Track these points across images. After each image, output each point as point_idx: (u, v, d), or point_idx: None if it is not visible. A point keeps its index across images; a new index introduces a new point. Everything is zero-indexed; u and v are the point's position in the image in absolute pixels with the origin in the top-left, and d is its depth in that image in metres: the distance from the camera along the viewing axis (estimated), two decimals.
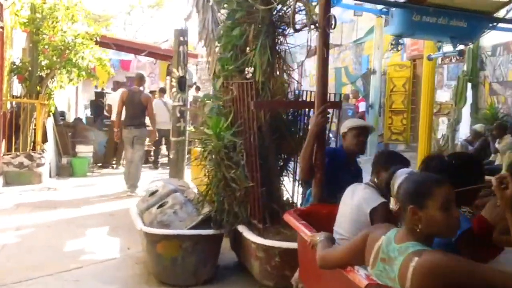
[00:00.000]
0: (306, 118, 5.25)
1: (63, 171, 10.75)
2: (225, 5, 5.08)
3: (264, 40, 4.53)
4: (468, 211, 2.72)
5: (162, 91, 12.83)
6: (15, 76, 10.36)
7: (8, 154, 9.55)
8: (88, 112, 17.07)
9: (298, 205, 5.24)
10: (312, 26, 3.67)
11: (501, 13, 7.29)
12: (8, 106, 9.85)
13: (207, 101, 5.56)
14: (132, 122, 9.02)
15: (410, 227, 2.11)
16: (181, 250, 4.50)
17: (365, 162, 5.45)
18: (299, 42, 5.37)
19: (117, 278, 4.95)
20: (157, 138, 10.71)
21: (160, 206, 4.91)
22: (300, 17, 4.98)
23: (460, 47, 8.96)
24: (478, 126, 10.13)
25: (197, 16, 5.83)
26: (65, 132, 11.45)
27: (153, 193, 5.31)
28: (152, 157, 12.50)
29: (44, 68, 10.25)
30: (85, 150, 11.32)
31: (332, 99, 5.05)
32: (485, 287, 1.88)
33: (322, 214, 3.54)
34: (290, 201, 5.21)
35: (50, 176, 10.16)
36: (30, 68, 10.03)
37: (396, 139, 15.44)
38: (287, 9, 4.84)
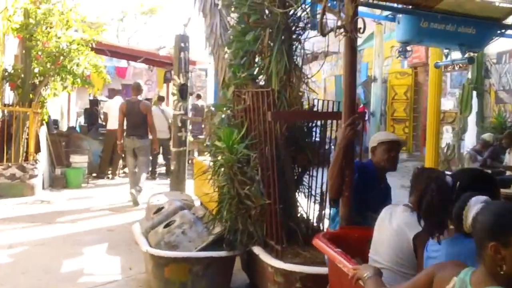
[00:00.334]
0: (321, 128, 4.92)
1: (56, 182, 10.32)
2: (235, 9, 4.72)
3: (280, 46, 4.17)
4: None
5: (160, 99, 12.44)
6: (7, 84, 9.92)
7: None
8: (81, 120, 16.65)
9: (311, 220, 4.91)
10: (339, 30, 3.30)
11: (510, 20, 7.08)
12: (0, 114, 9.41)
13: (213, 110, 5.21)
14: (135, 132, 8.90)
15: (491, 269, 1.75)
16: (191, 275, 4.13)
17: None
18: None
19: None
20: (158, 150, 10.49)
21: (167, 225, 4.52)
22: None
23: (469, 54, 8.71)
24: (487, 135, 9.82)
25: (204, 21, 5.49)
26: (58, 142, 11.03)
27: (158, 211, 4.92)
28: (150, 167, 12.07)
29: (37, 75, 9.85)
30: (79, 160, 10.87)
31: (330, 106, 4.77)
32: None
33: (353, 238, 3.19)
34: (305, 218, 4.86)
35: (43, 188, 9.73)
36: (22, 75, 9.62)
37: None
38: (302, 12, 4.51)
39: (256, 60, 4.56)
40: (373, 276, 2.25)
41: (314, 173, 4.97)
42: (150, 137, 9.21)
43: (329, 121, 4.74)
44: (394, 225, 2.79)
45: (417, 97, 15.34)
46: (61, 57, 9.68)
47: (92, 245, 6.41)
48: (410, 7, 6.86)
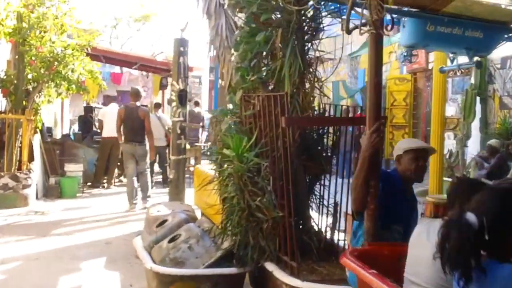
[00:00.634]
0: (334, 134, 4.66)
1: (51, 192, 9.98)
2: (243, 9, 4.44)
3: (294, 47, 3.90)
4: None
5: (157, 105, 12.14)
6: None
7: None
8: (75, 127, 16.31)
9: (324, 233, 4.63)
10: (364, 28, 3.03)
11: None
12: None
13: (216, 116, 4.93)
14: (134, 138, 8.94)
15: None
16: None
17: None
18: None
19: None
20: (154, 158, 10.29)
21: (172, 239, 4.22)
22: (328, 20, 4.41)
23: (476, 58, 8.48)
24: (494, 142, 9.58)
25: (208, 22, 5.20)
26: (52, 150, 10.69)
27: (161, 224, 4.61)
28: None
29: (31, 81, 9.54)
30: (74, 169, 10.54)
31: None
32: None
33: (383, 255, 2.89)
34: (317, 230, 4.58)
35: (37, 198, 9.39)
36: (15, 81, 9.30)
37: None
38: (315, 11, 4.24)
39: (265, 62, 4.27)
40: None
41: (326, 182, 4.72)
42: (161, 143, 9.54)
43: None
44: (435, 243, 2.51)
45: (416, 103, 15.10)
46: (56, 63, 9.36)
47: (89, 260, 6.09)
48: (416, 10, 6.61)
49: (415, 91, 14.92)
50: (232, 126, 4.42)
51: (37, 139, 10.00)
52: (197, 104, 13.38)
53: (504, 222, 1.86)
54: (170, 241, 4.20)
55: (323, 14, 4.19)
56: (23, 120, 9.21)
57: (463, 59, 9.00)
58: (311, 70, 4.16)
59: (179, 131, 7.87)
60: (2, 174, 8.82)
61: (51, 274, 5.42)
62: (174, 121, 7.90)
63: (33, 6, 9.44)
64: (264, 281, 4.11)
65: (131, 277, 5.26)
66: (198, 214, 6.83)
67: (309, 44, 4.19)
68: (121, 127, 9.02)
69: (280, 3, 3.84)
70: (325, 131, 4.65)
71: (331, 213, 4.63)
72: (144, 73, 14.23)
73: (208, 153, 4.92)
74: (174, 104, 7.85)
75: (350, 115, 4.71)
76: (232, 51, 4.76)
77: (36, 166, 9.48)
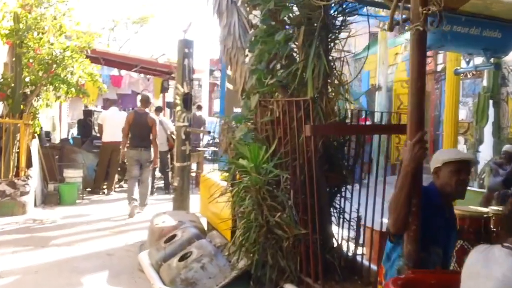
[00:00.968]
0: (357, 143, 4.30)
1: (49, 199, 9.59)
2: (258, 6, 4.09)
3: (318, 46, 3.55)
4: None
5: (158, 109, 11.78)
6: None
7: None
8: (74, 132, 15.94)
9: (344, 249, 4.28)
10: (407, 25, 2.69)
11: None
12: None
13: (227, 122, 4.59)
14: (141, 144, 8.99)
15: None
16: None
17: None
18: None
19: None
20: (157, 165, 10.16)
21: (183, 257, 3.86)
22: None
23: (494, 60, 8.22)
24: (510, 147, 9.23)
25: (219, 21, 4.84)
26: (51, 155, 10.30)
27: (170, 239, 4.25)
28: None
29: (29, 84, 9.17)
30: (73, 175, 10.15)
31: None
32: None
33: (430, 285, 2.55)
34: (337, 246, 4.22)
35: (35, 205, 9.02)
36: (12, 85, 8.92)
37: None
38: (338, 8, 3.90)
39: (284, 63, 3.92)
40: None
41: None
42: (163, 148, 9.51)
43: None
44: (497, 274, 2.16)
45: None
46: (54, 65, 9.00)
47: (91, 273, 5.73)
48: None
49: None
50: (249, 134, 4.06)
51: (35, 144, 9.63)
52: (199, 108, 13.05)
53: None
54: (180, 259, 3.85)
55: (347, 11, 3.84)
56: (20, 124, 8.85)
57: (477, 60, 8.70)
58: (336, 72, 3.80)
59: (183, 137, 7.52)
60: None
61: None
62: (178, 126, 7.54)
63: (30, 7, 9.07)
64: None
65: None
66: (203, 222, 6.50)
67: (332, 44, 3.84)
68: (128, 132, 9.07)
69: None
70: (347, 138, 4.30)
71: (353, 228, 4.28)
72: (145, 75, 13.86)
73: (219, 161, 4.54)
74: (178, 108, 7.49)
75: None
76: (246, 52, 4.41)
77: (34, 172, 9.11)
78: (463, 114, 12.49)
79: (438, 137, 13.42)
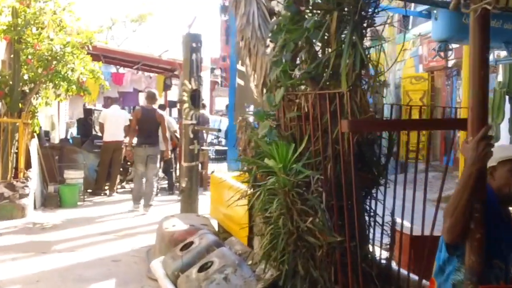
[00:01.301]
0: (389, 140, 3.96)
1: (49, 201, 9.23)
2: None
3: (352, 34, 3.19)
4: None
5: (161, 107, 11.39)
6: None
7: None
8: (73, 131, 15.54)
9: (375, 257, 3.92)
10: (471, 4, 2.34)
11: None
12: None
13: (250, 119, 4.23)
14: (147, 141, 8.98)
15: None
16: None
17: None
18: None
19: None
20: (170, 157, 10.08)
21: (203, 267, 3.49)
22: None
23: None
24: None
25: (234, 10, 4.47)
26: (51, 155, 9.93)
27: (186, 247, 3.88)
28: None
29: (27, 82, 8.78)
30: (74, 176, 9.79)
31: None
32: None
33: None
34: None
35: (35, 208, 8.65)
36: (11, 82, 8.55)
37: (414, 157, 14.20)
38: None
39: (312, 54, 3.56)
40: None
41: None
42: (163, 147, 9.40)
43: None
44: None
45: (434, 103, 14.41)
46: (54, 62, 8.61)
47: (96, 282, 5.39)
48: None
49: (432, 90, 14.22)
50: (274, 131, 3.69)
51: (34, 144, 9.26)
52: (203, 106, 12.68)
53: None
54: (200, 270, 3.48)
55: None
56: (19, 124, 8.48)
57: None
58: (371, 62, 3.43)
59: (191, 135, 7.14)
60: None
61: None
62: (186, 124, 7.17)
63: (29, 1, 8.70)
64: None
65: None
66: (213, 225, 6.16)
67: (365, 32, 3.47)
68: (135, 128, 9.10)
69: None
70: (378, 135, 3.94)
71: (387, 233, 3.92)
72: (147, 73, 13.49)
73: (237, 160, 4.18)
74: (186, 105, 7.12)
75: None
76: (268, 42, 4.05)
77: (34, 173, 8.74)
78: None
79: (448, 135, 13.06)
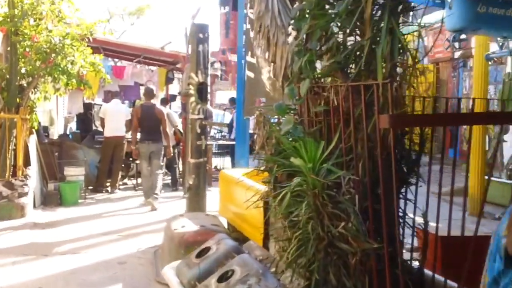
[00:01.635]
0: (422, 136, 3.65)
1: (50, 199, 8.90)
2: None
3: (389, 18, 2.88)
4: None
5: (164, 101, 11.06)
6: None
7: None
8: (72, 126, 15.20)
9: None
10: None
11: None
12: None
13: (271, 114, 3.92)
14: (150, 137, 8.98)
15: None
16: None
17: None
18: None
19: None
20: (172, 155, 9.82)
21: (223, 277, 3.18)
22: None
23: None
24: None
25: None
26: (50, 152, 9.60)
27: (202, 253, 3.57)
28: None
29: (25, 75, 8.45)
30: (75, 173, 9.45)
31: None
32: None
33: None
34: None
35: (35, 207, 8.33)
36: (8, 76, 8.21)
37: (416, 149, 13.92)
38: None
39: (341, 41, 3.24)
40: None
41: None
42: (164, 143, 9.27)
43: None
44: None
45: (439, 95, 14.14)
46: (53, 54, 8.27)
47: (102, 286, 5.10)
48: None
49: (438, 82, 13.94)
50: (298, 128, 3.38)
51: (33, 141, 8.94)
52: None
53: None
54: (220, 280, 3.17)
55: None
56: (17, 119, 8.15)
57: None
58: (408, 50, 3.12)
59: (199, 131, 6.83)
60: None
61: None
62: (193, 118, 6.85)
63: None
64: None
65: None
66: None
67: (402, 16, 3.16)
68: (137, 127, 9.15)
69: None
70: (407, 130, 3.63)
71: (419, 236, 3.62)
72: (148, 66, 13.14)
73: (257, 159, 3.87)
74: (192, 99, 6.80)
75: None
76: (289, 30, 3.72)
77: (33, 171, 8.42)
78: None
79: (457, 129, 12.69)
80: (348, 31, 3.10)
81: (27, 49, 8.28)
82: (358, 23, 3.06)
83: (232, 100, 15.06)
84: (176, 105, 16.01)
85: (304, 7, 3.40)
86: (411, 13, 3.36)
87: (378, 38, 3.05)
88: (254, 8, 4.08)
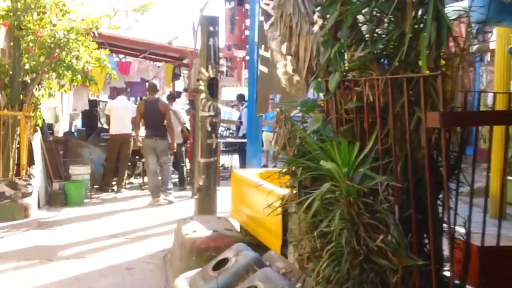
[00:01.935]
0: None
1: (54, 199, 8.61)
2: None
3: (434, 5, 2.53)
4: None
5: (171, 97, 10.74)
6: None
7: None
8: (77, 123, 14.92)
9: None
10: None
11: None
12: None
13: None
14: (155, 133, 8.91)
15: None
16: None
17: None
18: None
19: None
20: (175, 150, 9.55)
21: None
22: None
23: None
24: None
25: None
26: (55, 150, 9.32)
27: (220, 265, 3.25)
28: None
29: (29, 71, 8.16)
30: (80, 172, 9.14)
31: None
32: None
33: None
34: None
35: (39, 207, 8.04)
36: (11, 72, 7.91)
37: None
38: None
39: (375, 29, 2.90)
40: None
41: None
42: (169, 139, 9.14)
43: None
44: None
45: (452, 91, 13.75)
46: (57, 49, 7.96)
47: None
48: None
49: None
50: (328, 127, 3.04)
51: (37, 139, 8.64)
52: None
53: None
54: None
55: None
56: (20, 117, 7.85)
57: None
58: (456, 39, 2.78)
59: (209, 128, 6.50)
60: None
61: None
62: (203, 116, 6.51)
63: None
64: None
65: None
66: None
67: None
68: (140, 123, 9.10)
69: None
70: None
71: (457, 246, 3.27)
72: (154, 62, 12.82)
73: (281, 161, 3.52)
74: (203, 95, 6.46)
75: None
76: (315, 18, 3.38)
77: (37, 170, 8.12)
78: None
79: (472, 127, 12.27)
80: (384, 17, 2.75)
81: (31, 44, 7.99)
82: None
83: (240, 97, 14.72)
84: (181, 101, 15.72)
85: None
86: None
87: (416, 26, 2.72)
88: None
